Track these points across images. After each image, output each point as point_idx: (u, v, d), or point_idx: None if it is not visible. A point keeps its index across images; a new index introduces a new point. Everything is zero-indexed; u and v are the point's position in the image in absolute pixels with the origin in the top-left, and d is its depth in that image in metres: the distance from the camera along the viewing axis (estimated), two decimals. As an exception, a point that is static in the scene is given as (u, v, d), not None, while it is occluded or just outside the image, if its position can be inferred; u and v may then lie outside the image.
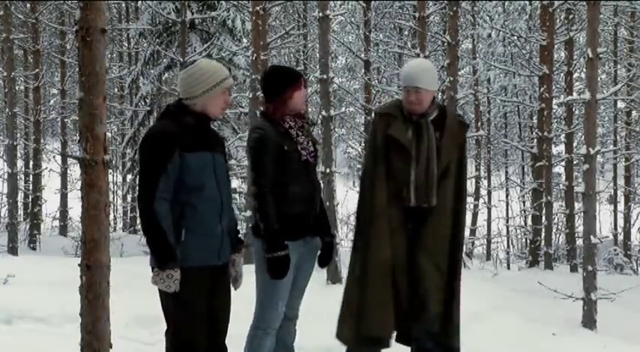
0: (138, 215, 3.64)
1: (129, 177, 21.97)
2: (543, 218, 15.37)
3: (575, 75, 19.10)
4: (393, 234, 4.25)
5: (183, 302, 3.60)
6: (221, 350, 3.81)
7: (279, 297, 4.07)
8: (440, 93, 14.26)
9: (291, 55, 25.22)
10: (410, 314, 4.29)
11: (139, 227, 21.84)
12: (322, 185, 4.43)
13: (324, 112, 8.89)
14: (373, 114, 4.63)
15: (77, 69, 2.93)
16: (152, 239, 3.57)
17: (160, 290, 3.65)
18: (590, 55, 7.33)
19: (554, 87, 15.93)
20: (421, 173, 4.25)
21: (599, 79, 14.29)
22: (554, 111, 16.67)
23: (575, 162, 17.13)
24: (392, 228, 4.25)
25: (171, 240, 3.54)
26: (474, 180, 19.83)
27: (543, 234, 15.25)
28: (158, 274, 3.55)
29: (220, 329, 3.80)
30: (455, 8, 12.41)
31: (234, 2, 16.32)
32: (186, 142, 3.62)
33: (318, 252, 4.32)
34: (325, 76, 8.96)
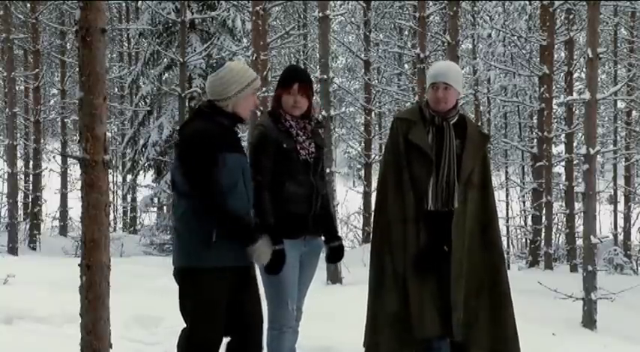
0: (207, 211, 3.65)
1: (129, 177, 21.97)
2: (543, 218, 15.35)
3: (575, 75, 19.08)
4: (409, 241, 4.20)
5: (204, 302, 3.66)
6: (257, 346, 3.86)
7: (287, 295, 4.07)
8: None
9: (291, 55, 25.21)
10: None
11: (139, 227, 21.89)
12: (328, 187, 4.36)
13: (324, 112, 8.90)
14: (392, 120, 4.57)
15: (77, 69, 2.93)
16: (234, 229, 3.67)
17: (181, 287, 3.72)
18: (590, 55, 7.34)
19: (554, 87, 15.92)
20: (442, 177, 4.20)
21: (599, 79, 14.30)
22: (554, 111, 16.65)
23: (575, 162, 17.11)
24: (409, 238, 4.20)
25: (247, 219, 3.72)
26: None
27: (543, 234, 15.24)
28: (256, 251, 3.70)
29: (256, 324, 3.85)
30: (455, 8, 12.40)
31: (234, 2, 16.32)
32: (227, 143, 3.71)
33: (321, 254, 4.33)
34: (325, 76, 8.98)
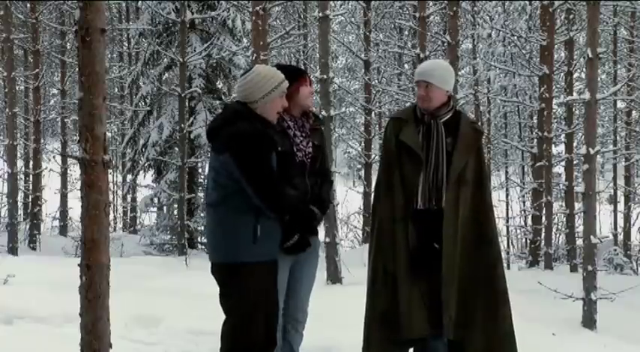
0: (273, 207, 3.81)
1: (129, 177, 21.95)
2: (543, 218, 15.34)
3: (575, 75, 19.07)
4: (398, 241, 4.21)
5: (251, 297, 3.76)
6: (273, 344, 3.93)
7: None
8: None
9: (291, 55, 25.20)
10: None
11: (139, 227, 21.88)
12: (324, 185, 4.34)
13: (324, 112, 8.90)
14: (387, 120, 4.59)
15: (77, 69, 2.93)
16: (304, 221, 4.00)
17: (225, 283, 3.80)
18: (590, 55, 7.34)
19: (554, 87, 15.90)
20: (430, 175, 4.21)
21: (599, 79, 14.31)
22: (554, 111, 16.65)
23: (575, 162, 17.11)
24: (398, 237, 4.21)
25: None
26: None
27: (543, 234, 15.23)
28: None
29: (274, 322, 3.93)
30: (455, 8, 12.40)
31: (234, 2, 16.30)
32: (269, 143, 3.82)
33: (321, 253, 4.32)
34: (325, 76, 8.97)
